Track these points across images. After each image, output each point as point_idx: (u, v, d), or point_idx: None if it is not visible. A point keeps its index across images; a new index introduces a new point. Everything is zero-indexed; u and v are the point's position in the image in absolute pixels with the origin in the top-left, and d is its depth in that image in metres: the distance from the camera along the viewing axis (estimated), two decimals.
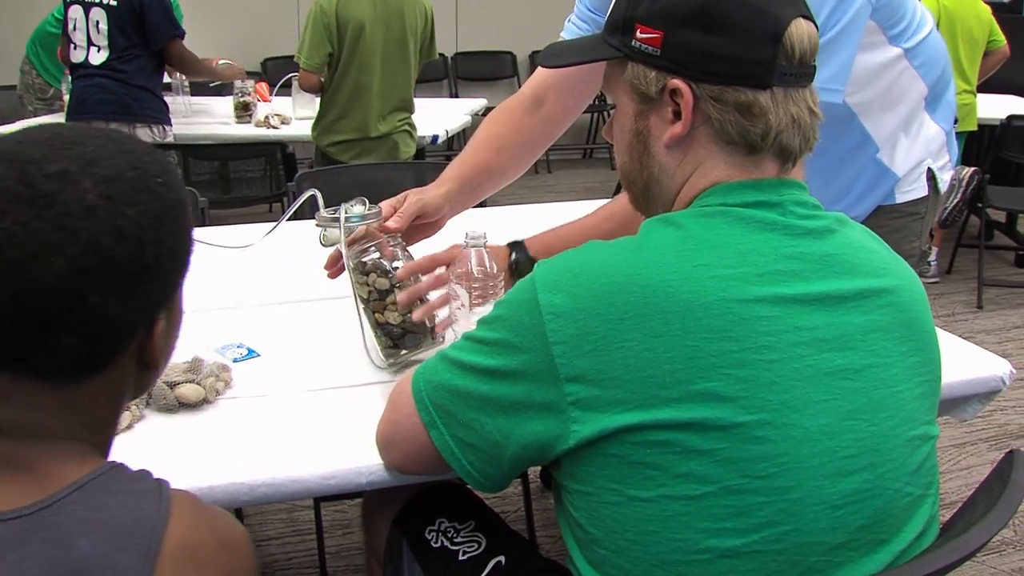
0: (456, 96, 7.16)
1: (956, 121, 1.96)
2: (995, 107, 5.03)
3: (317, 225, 1.48)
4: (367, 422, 1.20)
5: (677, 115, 1.02)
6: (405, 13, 3.63)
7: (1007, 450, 1.13)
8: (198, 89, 4.59)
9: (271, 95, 4.55)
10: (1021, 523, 2.67)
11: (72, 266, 0.72)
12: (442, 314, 1.44)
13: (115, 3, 3.71)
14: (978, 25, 4.82)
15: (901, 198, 1.81)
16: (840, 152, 1.70)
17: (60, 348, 0.74)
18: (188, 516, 0.75)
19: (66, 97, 4.28)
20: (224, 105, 4.37)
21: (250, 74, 4.52)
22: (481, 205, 2.55)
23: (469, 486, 1.09)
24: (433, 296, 1.44)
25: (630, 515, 0.94)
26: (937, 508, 1.06)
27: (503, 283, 1.39)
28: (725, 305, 0.92)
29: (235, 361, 1.46)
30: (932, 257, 4.77)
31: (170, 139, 3.94)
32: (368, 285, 1.42)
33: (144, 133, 3.83)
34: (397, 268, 1.43)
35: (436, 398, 1.05)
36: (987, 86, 5.09)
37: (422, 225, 1.59)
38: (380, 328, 1.43)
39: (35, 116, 4.58)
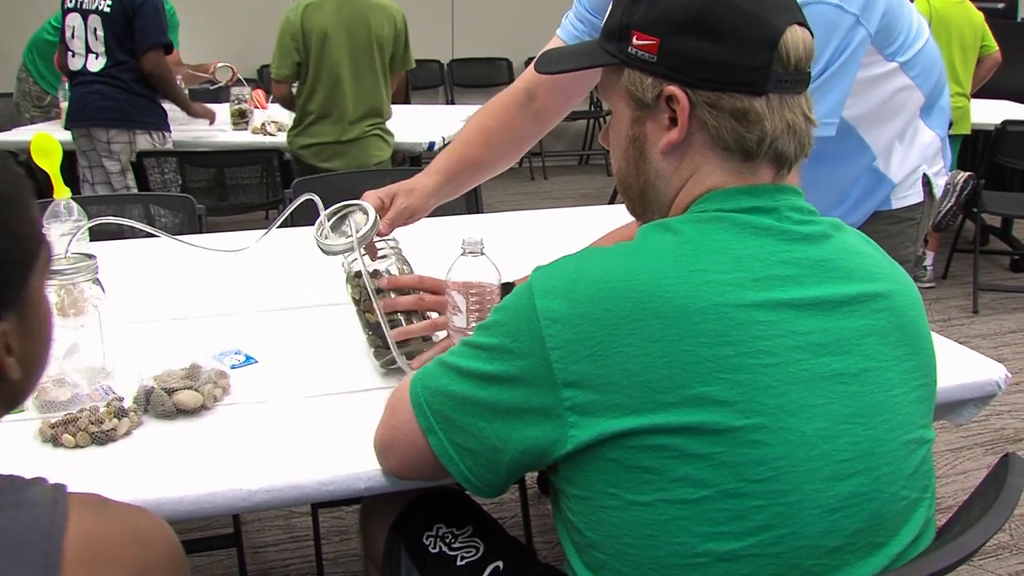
0: (452, 103, 7.18)
1: (951, 125, 1.97)
2: (990, 112, 5.05)
3: (317, 234, 1.48)
4: (365, 428, 1.20)
5: (673, 121, 1.03)
6: (371, 21, 3.71)
7: (1003, 454, 1.14)
8: (195, 96, 4.60)
9: (268, 102, 4.56)
10: (1017, 527, 2.67)
11: None
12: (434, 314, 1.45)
13: (109, 10, 3.71)
14: (970, 29, 4.85)
15: (897, 204, 1.82)
16: (837, 160, 1.71)
17: None
18: (90, 516, 0.73)
19: (63, 104, 4.29)
20: (221, 112, 4.37)
21: (247, 81, 4.53)
22: (478, 211, 2.57)
23: (467, 492, 1.09)
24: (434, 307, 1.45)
25: (628, 519, 0.94)
26: (933, 512, 1.06)
27: (500, 291, 1.39)
28: (721, 310, 0.93)
29: (233, 367, 1.46)
30: (928, 262, 4.78)
31: (169, 146, 3.95)
32: (360, 287, 1.44)
33: (144, 140, 3.84)
34: (384, 263, 1.46)
35: (434, 404, 1.05)
36: (982, 91, 5.12)
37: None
38: (371, 328, 1.44)
39: (31, 123, 4.58)
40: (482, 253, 1.38)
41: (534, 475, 2.61)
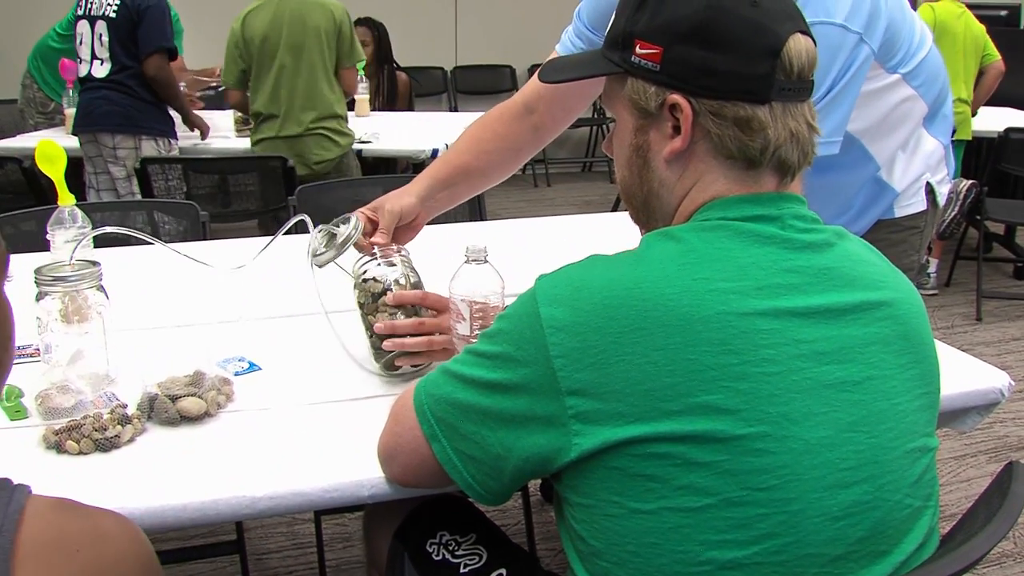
0: (455, 110, 7.19)
1: (953, 132, 1.97)
2: (993, 120, 5.05)
3: (308, 253, 1.52)
4: (368, 435, 1.20)
5: (677, 130, 1.03)
6: (306, 20, 3.81)
7: (1006, 462, 1.14)
8: (204, 100, 4.61)
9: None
10: (1021, 535, 2.67)
11: None
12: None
13: (115, 15, 3.73)
14: (971, 38, 4.86)
15: (900, 212, 1.82)
16: (841, 170, 1.71)
17: None
18: (47, 513, 0.74)
19: (67, 111, 4.31)
20: (224, 119, 4.38)
21: None
22: (481, 219, 2.57)
23: (471, 499, 1.09)
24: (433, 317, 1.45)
25: (631, 527, 0.94)
26: (937, 520, 1.06)
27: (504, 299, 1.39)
28: (725, 318, 0.93)
29: (236, 374, 1.46)
30: (931, 269, 4.78)
31: (175, 153, 3.96)
32: (365, 291, 1.44)
33: (149, 146, 3.85)
34: (393, 271, 1.46)
35: (438, 411, 1.05)
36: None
37: (400, 229, 1.63)
38: (372, 331, 1.44)
39: (36, 130, 4.59)
40: (485, 261, 1.38)
41: (537, 482, 2.60)
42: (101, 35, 3.76)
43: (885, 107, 1.69)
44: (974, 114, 5.00)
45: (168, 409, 1.29)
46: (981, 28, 4.91)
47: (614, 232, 1.53)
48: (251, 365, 1.50)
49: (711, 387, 0.91)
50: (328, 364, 1.51)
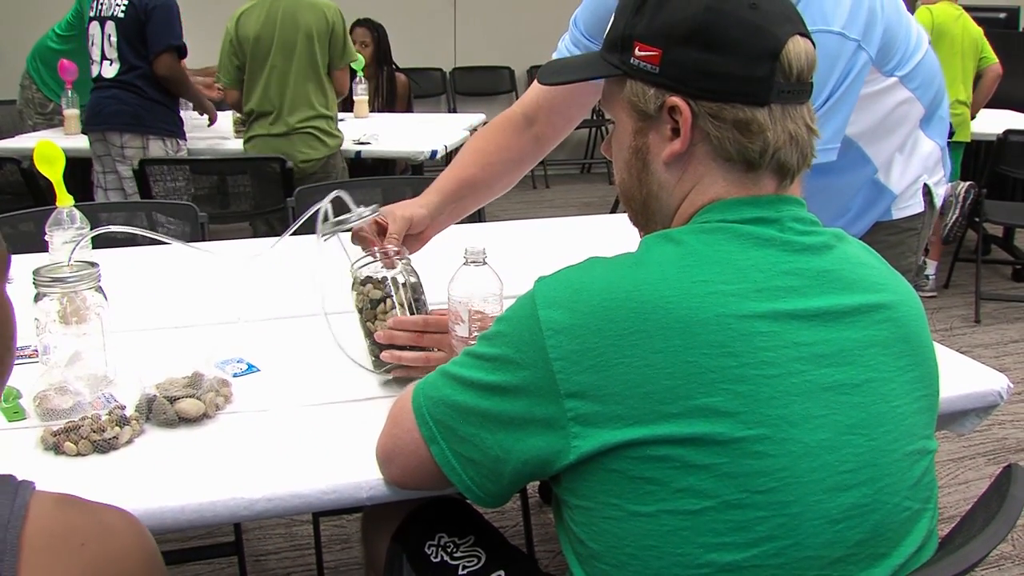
0: (454, 111, 7.19)
1: (952, 133, 1.98)
2: (992, 122, 5.06)
3: (323, 234, 1.49)
4: (367, 437, 1.20)
5: (676, 132, 1.03)
6: (299, 20, 3.84)
7: (1005, 464, 1.14)
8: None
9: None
10: (1020, 537, 2.67)
11: None
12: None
13: (123, 15, 3.75)
14: (969, 40, 4.87)
15: (898, 214, 1.82)
16: (839, 173, 1.71)
17: None
18: (52, 508, 0.75)
19: (66, 112, 4.31)
20: (223, 120, 4.38)
21: None
22: (480, 220, 2.57)
23: (469, 501, 1.09)
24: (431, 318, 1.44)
25: (630, 530, 0.94)
26: (936, 522, 1.06)
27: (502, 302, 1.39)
28: (724, 321, 0.93)
29: (235, 376, 1.46)
30: (930, 271, 4.79)
31: (183, 153, 3.97)
32: (363, 295, 1.44)
33: (157, 146, 3.86)
34: (395, 276, 1.45)
35: (436, 413, 1.05)
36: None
37: (407, 238, 1.61)
38: (371, 337, 1.44)
39: (34, 131, 4.59)
40: (484, 263, 1.38)
41: (536, 484, 2.60)
42: (110, 35, 3.79)
43: (883, 110, 1.69)
44: (973, 117, 5.01)
45: (166, 410, 1.29)
46: (978, 30, 4.93)
47: (613, 234, 1.53)
48: (249, 366, 1.50)
49: (710, 389, 0.91)
50: (326, 366, 1.51)
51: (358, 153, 4.12)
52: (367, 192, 2.79)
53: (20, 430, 1.29)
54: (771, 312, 0.95)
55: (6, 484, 0.76)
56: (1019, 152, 4.71)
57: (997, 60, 4.99)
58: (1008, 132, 4.67)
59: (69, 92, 4.31)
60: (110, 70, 3.82)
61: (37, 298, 1.35)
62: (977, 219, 4.60)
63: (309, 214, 1.50)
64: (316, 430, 1.31)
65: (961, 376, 1.49)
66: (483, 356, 1.01)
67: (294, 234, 1.54)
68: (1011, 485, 1.09)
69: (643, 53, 1.04)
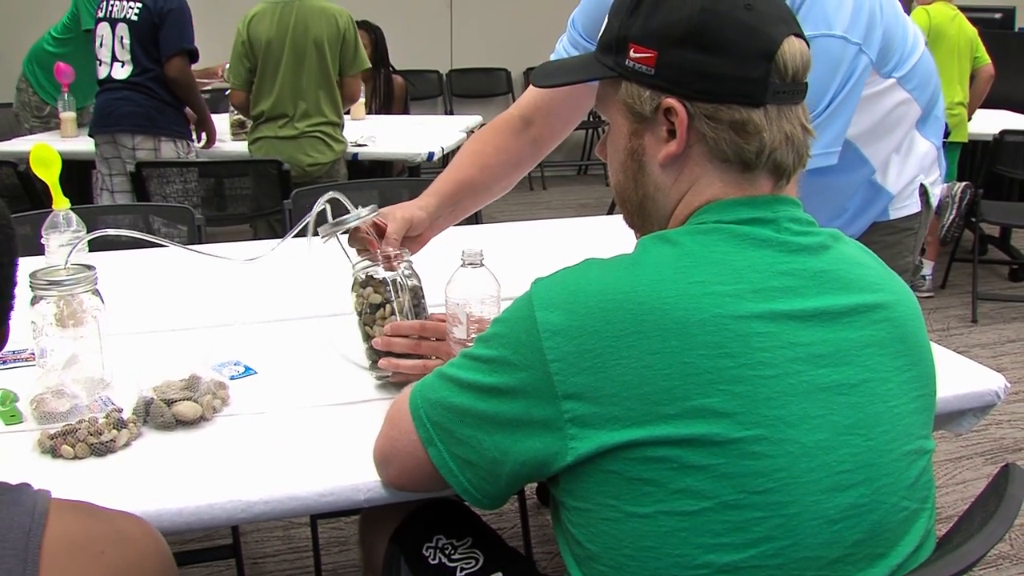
0: (451, 113, 7.20)
1: (948, 133, 1.98)
2: (989, 122, 5.06)
3: (323, 235, 1.48)
4: (364, 439, 1.20)
5: (671, 134, 1.03)
6: (310, 25, 3.85)
7: (1002, 464, 1.14)
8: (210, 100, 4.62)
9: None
10: (1017, 537, 2.67)
11: None
12: None
13: (137, 18, 3.76)
14: (964, 40, 4.88)
15: (895, 214, 1.82)
16: (836, 174, 1.71)
17: None
18: (71, 517, 0.76)
19: (63, 115, 4.30)
20: (220, 123, 4.38)
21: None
22: (476, 222, 2.57)
23: (467, 503, 1.09)
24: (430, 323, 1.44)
25: (628, 531, 0.94)
26: (933, 522, 1.06)
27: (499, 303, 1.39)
28: (721, 322, 0.93)
29: (232, 378, 1.46)
30: (927, 271, 4.79)
31: (193, 155, 3.97)
32: (363, 298, 1.43)
33: (168, 147, 3.87)
34: (396, 279, 1.44)
35: (434, 415, 1.05)
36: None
37: (405, 240, 1.60)
38: (369, 340, 1.44)
39: (31, 134, 4.59)
40: (482, 264, 1.38)
41: (533, 486, 2.60)
42: (122, 38, 3.79)
43: (880, 111, 1.69)
44: (969, 118, 5.02)
45: (164, 413, 1.29)
46: (973, 30, 4.94)
47: (610, 235, 1.53)
48: (247, 369, 1.50)
49: (707, 390, 0.91)
50: (324, 368, 1.51)
51: (355, 155, 4.13)
52: (364, 194, 2.79)
53: (17, 433, 1.29)
54: (768, 312, 0.95)
55: (24, 493, 0.77)
56: (1015, 152, 4.72)
57: (990, 60, 5.00)
58: (1004, 132, 4.68)
59: (65, 95, 4.30)
60: (121, 72, 3.82)
61: (33, 301, 1.35)
62: (974, 219, 4.61)
63: (307, 220, 1.49)
64: (313, 432, 1.31)
65: (958, 376, 1.49)
66: (480, 358, 1.01)
67: (296, 236, 1.53)
68: (1009, 485, 1.09)
69: (638, 55, 1.04)
